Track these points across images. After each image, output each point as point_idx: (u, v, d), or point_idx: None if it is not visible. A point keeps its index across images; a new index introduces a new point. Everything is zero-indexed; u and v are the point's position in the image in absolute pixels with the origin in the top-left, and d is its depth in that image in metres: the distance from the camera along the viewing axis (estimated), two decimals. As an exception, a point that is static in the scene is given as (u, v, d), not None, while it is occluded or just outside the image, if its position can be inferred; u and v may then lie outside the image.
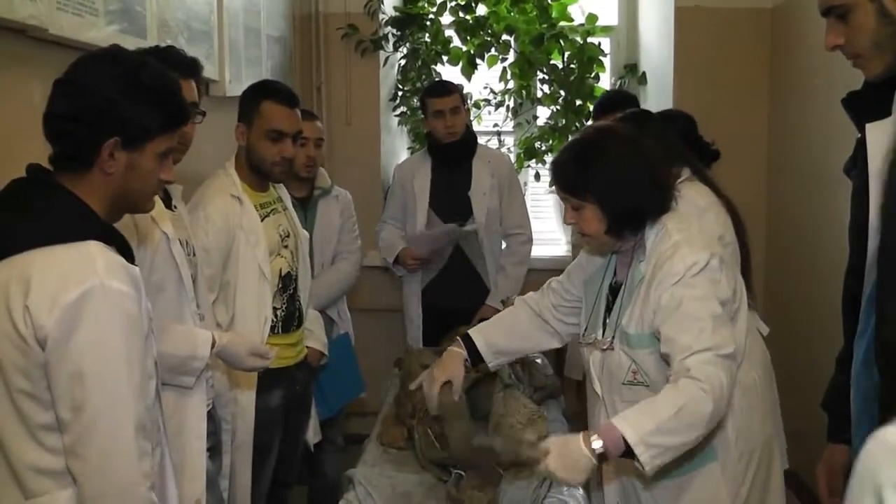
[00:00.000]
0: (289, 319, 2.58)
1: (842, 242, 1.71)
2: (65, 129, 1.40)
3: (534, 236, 3.61)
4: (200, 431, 2.03)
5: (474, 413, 2.54)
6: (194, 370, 1.97)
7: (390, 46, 4.27)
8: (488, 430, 2.41)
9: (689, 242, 1.81)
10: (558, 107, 4.34)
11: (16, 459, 1.36)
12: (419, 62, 4.34)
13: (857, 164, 1.56)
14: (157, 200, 1.93)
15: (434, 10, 4.31)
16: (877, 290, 1.28)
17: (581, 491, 2.10)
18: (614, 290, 1.96)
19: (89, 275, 1.32)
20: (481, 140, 3.77)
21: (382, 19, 4.22)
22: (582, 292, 2.07)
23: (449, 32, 4.34)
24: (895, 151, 1.07)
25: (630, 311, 1.86)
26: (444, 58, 4.34)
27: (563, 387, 3.10)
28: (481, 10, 4.30)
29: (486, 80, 4.42)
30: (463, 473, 2.07)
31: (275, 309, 2.51)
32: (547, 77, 4.35)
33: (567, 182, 1.87)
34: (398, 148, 4.57)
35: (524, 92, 4.39)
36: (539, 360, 2.96)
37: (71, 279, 1.32)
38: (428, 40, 4.33)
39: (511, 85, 4.40)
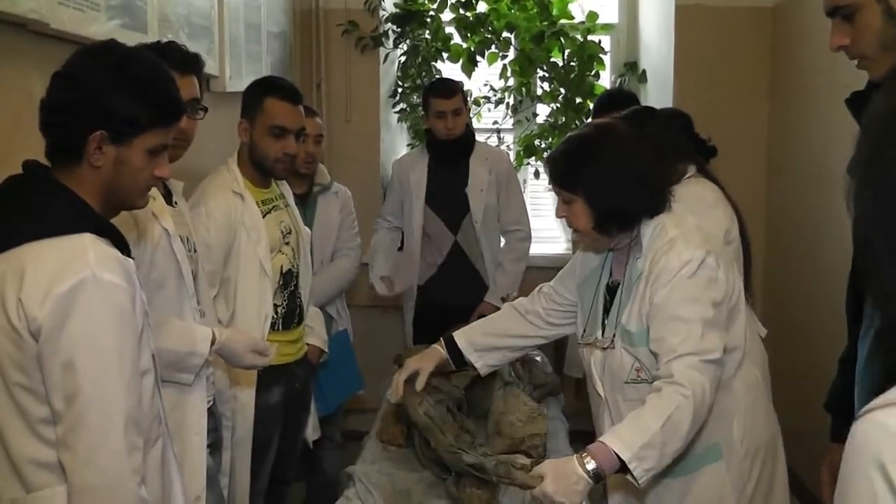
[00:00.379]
0: (289, 316, 2.57)
1: (842, 242, 1.71)
2: (54, 121, 1.40)
3: (533, 234, 3.60)
4: (200, 428, 2.01)
5: (474, 411, 2.54)
6: (193, 367, 1.95)
7: (390, 43, 4.26)
8: (488, 429, 2.42)
9: (686, 239, 1.81)
10: (558, 104, 4.33)
11: (16, 453, 1.36)
12: (419, 59, 4.33)
13: None
14: (158, 196, 1.92)
15: (434, 6, 4.30)
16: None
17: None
18: (611, 290, 1.95)
19: (81, 266, 1.32)
20: (481, 137, 3.76)
21: (383, 16, 4.21)
22: (575, 296, 2.07)
23: (449, 29, 4.33)
24: None
25: (630, 309, 1.85)
26: (445, 55, 4.33)
27: (562, 384, 3.10)
28: (482, 7, 4.29)
29: (486, 78, 4.41)
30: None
31: (276, 306, 2.50)
32: (547, 74, 4.34)
33: (558, 175, 1.89)
34: (398, 145, 4.56)
35: (524, 89, 4.38)
36: (539, 358, 2.96)
37: (63, 271, 1.32)
38: (428, 37, 4.32)
39: (511, 82, 4.39)
